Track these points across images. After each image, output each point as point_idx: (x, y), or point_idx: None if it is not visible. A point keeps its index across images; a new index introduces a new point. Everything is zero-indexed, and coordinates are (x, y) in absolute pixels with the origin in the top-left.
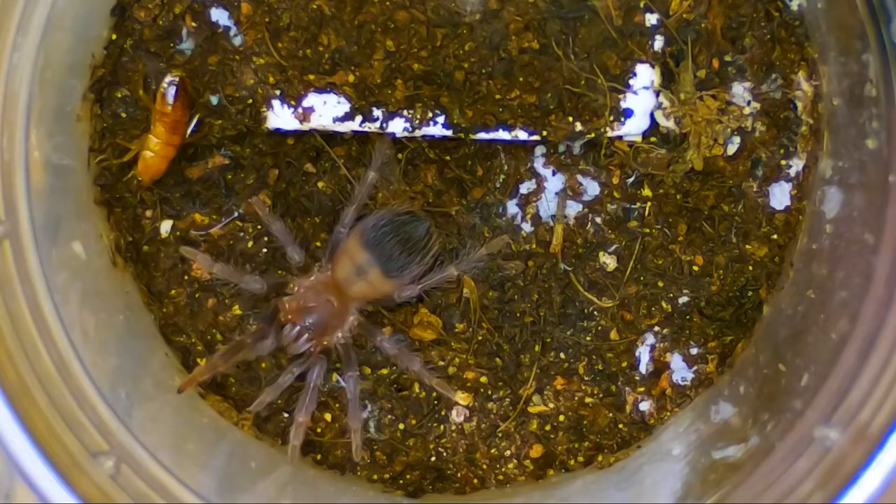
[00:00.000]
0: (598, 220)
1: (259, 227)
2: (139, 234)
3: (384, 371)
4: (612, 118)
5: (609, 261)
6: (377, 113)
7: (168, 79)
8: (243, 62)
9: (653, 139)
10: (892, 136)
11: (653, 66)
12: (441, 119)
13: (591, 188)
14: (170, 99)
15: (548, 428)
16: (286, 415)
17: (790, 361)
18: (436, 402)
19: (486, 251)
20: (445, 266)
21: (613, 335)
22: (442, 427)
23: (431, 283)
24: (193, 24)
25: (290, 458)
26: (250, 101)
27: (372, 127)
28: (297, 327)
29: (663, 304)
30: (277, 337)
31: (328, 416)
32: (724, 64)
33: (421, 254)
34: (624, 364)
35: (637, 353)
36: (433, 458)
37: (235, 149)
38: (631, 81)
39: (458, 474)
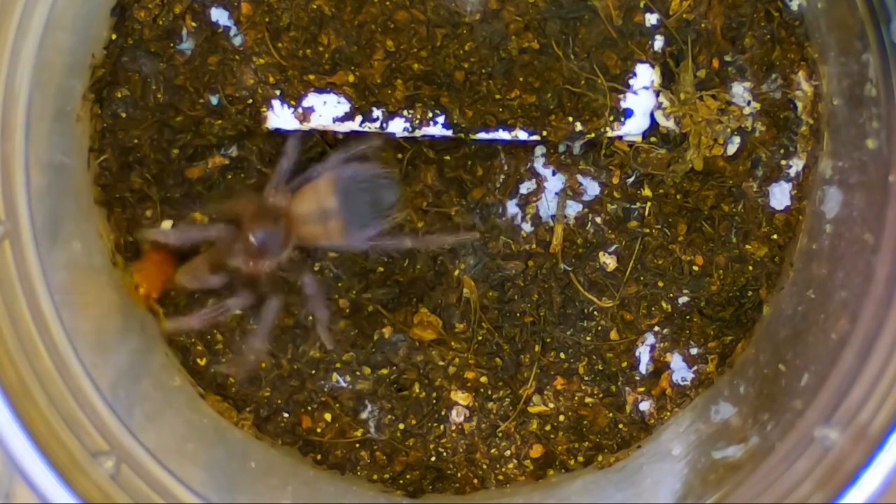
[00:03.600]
0: (598, 220)
1: None
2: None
3: (384, 371)
4: (612, 118)
5: (609, 261)
6: (377, 113)
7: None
8: (243, 62)
9: (653, 139)
10: (892, 136)
11: (653, 66)
12: (441, 119)
13: (591, 188)
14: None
15: (548, 428)
16: (286, 415)
17: (790, 361)
18: (435, 401)
19: (453, 239)
20: (402, 236)
21: (613, 335)
22: (442, 427)
23: (382, 245)
24: (193, 24)
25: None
26: (250, 101)
27: (372, 127)
28: (248, 239)
29: (663, 304)
30: (231, 237)
31: (328, 416)
32: (724, 64)
33: (384, 220)
34: (624, 364)
35: (637, 353)
36: (433, 458)
37: (235, 149)
38: (631, 81)
39: (458, 474)
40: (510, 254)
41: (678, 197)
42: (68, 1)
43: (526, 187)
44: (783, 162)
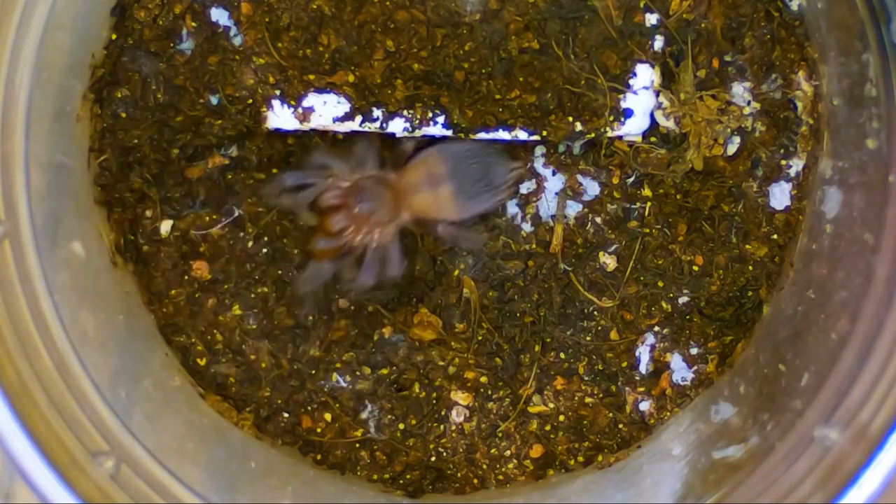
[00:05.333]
0: (598, 220)
1: (259, 227)
2: (139, 234)
3: (384, 371)
4: (612, 118)
5: (609, 261)
6: (377, 113)
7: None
8: (243, 62)
9: (653, 139)
10: (892, 136)
11: (653, 66)
12: (441, 119)
13: (591, 188)
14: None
15: (548, 428)
16: (286, 415)
17: (790, 361)
18: (435, 401)
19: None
20: (477, 230)
21: (613, 335)
22: (442, 427)
23: (463, 237)
24: (193, 24)
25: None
26: (250, 101)
27: (372, 127)
28: (347, 201)
29: (663, 304)
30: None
31: (328, 416)
32: (724, 64)
33: (494, 194)
34: (624, 364)
35: (637, 353)
36: (433, 458)
37: (235, 149)
38: (631, 81)
39: (458, 474)
40: (510, 254)
41: (678, 197)
42: (68, 1)
43: (526, 187)
44: (783, 162)
